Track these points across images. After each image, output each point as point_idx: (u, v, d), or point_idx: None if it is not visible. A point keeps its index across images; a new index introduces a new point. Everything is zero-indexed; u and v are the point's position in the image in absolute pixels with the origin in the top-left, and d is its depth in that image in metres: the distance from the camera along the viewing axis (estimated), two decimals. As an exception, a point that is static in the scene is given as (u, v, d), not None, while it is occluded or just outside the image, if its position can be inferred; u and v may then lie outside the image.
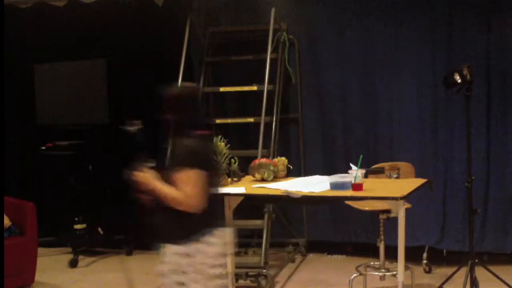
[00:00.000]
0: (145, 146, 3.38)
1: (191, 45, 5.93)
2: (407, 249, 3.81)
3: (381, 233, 4.63)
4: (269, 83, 5.53)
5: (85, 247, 6.45)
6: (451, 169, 5.66)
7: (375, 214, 4.70)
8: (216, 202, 3.19)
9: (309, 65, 6.11)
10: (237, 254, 5.42)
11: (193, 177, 3.00)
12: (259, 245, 5.57)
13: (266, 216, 5.36)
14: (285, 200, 3.84)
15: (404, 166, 4.78)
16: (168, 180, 3.07)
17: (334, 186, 3.69)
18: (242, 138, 6.13)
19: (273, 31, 5.60)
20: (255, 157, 4.56)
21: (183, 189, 3.00)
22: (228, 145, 4.04)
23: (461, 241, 5.58)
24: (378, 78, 5.87)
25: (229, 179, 4.06)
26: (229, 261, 4.09)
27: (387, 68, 5.82)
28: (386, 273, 4.70)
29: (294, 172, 5.07)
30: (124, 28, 6.39)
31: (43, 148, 6.62)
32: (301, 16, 6.08)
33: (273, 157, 5.24)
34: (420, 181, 4.03)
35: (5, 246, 4.91)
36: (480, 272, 4.76)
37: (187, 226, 3.06)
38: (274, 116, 5.72)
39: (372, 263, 5.02)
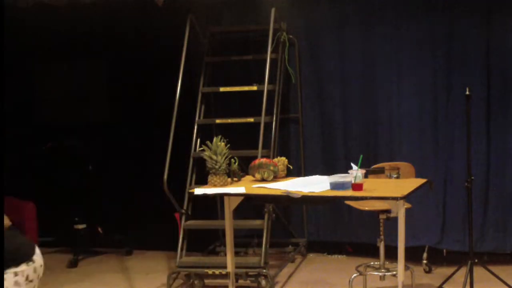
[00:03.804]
0: None
1: (191, 45, 5.93)
2: (407, 249, 3.82)
3: (381, 233, 4.63)
4: (269, 83, 5.53)
5: (85, 247, 6.45)
6: (451, 169, 5.67)
7: (375, 214, 4.70)
8: None
9: (309, 65, 6.11)
10: (237, 254, 5.43)
11: None
12: (259, 245, 5.58)
13: (266, 216, 5.36)
14: (285, 200, 3.83)
15: (404, 166, 4.78)
16: None
17: (334, 186, 3.69)
18: (242, 138, 6.13)
19: (273, 31, 5.60)
20: (255, 157, 4.55)
21: None
22: (228, 145, 4.04)
23: (461, 241, 5.59)
24: (378, 78, 5.87)
25: (229, 179, 4.06)
26: (229, 261, 4.11)
27: (387, 68, 5.82)
28: (386, 273, 4.70)
29: (294, 172, 5.07)
30: (124, 28, 6.40)
31: (43, 148, 6.63)
32: (301, 16, 6.08)
33: (273, 157, 5.24)
34: (420, 181, 4.03)
35: (5, 246, 4.91)
36: (480, 272, 4.77)
37: None
38: (274, 116, 5.73)
39: (372, 263, 5.03)
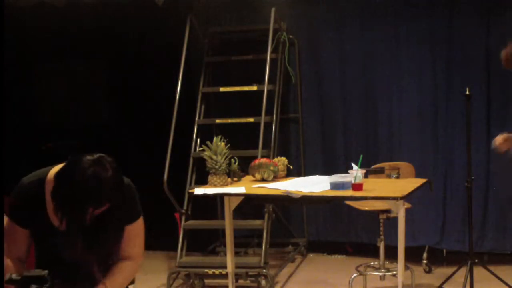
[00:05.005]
0: None
1: (191, 45, 5.93)
2: (407, 249, 3.82)
3: (381, 233, 4.63)
4: (269, 83, 5.53)
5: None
6: (451, 169, 5.67)
7: (375, 214, 4.70)
8: None
9: (309, 65, 6.11)
10: (237, 254, 5.43)
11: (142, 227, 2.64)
12: (259, 245, 5.58)
13: (266, 216, 5.36)
14: (285, 200, 3.84)
15: (404, 166, 4.78)
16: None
17: (334, 186, 3.69)
18: (242, 138, 6.13)
19: (273, 31, 5.60)
20: (255, 157, 4.55)
21: (137, 246, 2.62)
22: (228, 145, 4.04)
23: (461, 241, 5.59)
24: (378, 78, 5.87)
25: (229, 179, 4.06)
26: (229, 261, 4.11)
27: (387, 68, 5.82)
28: (386, 273, 4.70)
29: (294, 172, 5.07)
30: (124, 28, 6.39)
31: (43, 148, 6.63)
32: (301, 16, 6.08)
33: (273, 157, 5.24)
34: (420, 181, 4.03)
35: (5, 246, 4.91)
36: (480, 272, 4.76)
37: None
38: (274, 116, 5.73)
39: (372, 263, 5.03)
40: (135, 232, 2.61)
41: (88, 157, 2.36)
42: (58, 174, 2.40)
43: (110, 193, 2.35)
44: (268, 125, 5.62)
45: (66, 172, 2.38)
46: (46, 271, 2.22)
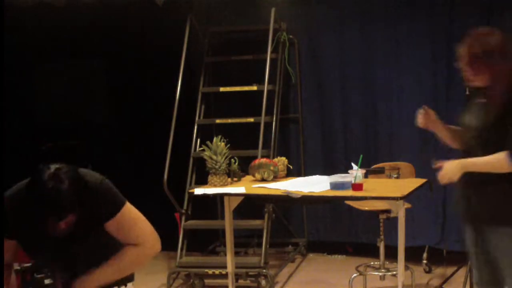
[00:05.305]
0: None
1: (191, 45, 5.93)
2: (407, 249, 3.82)
3: (381, 233, 4.63)
4: (269, 83, 5.54)
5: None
6: (451, 169, 5.66)
7: (375, 214, 4.70)
8: None
9: (309, 65, 6.11)
10: (237, 254, 5.43)
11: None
12: (259, 245, 5.58)
13: (266, 216, 5.36)
14: (285, 200, 3.84)
15: (404, 166, 4.78)
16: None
17: (334, 186, 3.69)
18: (242, 138, 6.14)
19: (273, 31, 5.60)
20: (255, 157, 4.56)
21: (134, 233, 2.64)
22: (228, 145, 4.04)
23: (461, 241, 5.57)
24: (378, 78, 5.87)
25: (229, 179, 4.06)
26: (229, 261, 4.11)
27: (387, 68, 5.82)
28: (386, 273, 4.71)
29: (294, 172, 5.07)
30: (124, 28, 6.40)
31: (43, 148, 6.63)
32: (301, 16, 6.08)
33: (273, 157, 5.24)
34: (420, 181, 4.03)
35: (5, 246, 4.91)
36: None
37: None
38: (274, 116, 5.73)
39: (372, 263, 5.03)
40: (124, 222, 2.59)
41: (48, 171, 2.38)
42: (26, 186, 2.45)
43: (69, 205, 2.36)
44: (268, 125, 5.63)
45: (30, 186, 2.42)
46: (44, 262, 2.40)
